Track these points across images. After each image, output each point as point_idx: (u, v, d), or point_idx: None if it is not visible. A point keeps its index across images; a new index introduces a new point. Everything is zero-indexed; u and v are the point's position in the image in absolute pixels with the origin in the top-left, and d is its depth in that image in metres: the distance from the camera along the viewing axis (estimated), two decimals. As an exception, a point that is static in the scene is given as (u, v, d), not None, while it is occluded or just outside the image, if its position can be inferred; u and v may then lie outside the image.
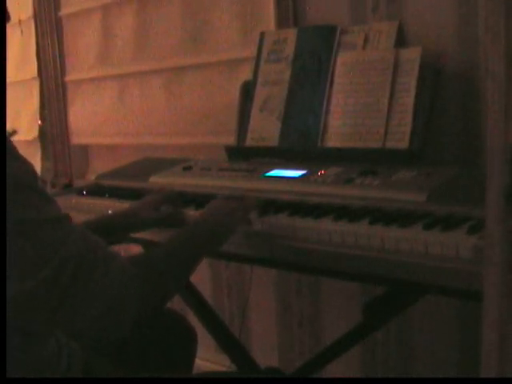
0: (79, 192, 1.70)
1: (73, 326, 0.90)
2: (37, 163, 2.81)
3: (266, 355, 2.05)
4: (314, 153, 1.57)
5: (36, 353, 0.97)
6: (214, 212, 1.20)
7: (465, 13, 1.48)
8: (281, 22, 1.86)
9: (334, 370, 1.74)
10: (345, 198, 1.27)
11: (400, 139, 1.43)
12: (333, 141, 1.55)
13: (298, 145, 1.60)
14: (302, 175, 1.43)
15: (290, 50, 1.67)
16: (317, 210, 1.21)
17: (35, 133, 2.82)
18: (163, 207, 1.34)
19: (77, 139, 2.71)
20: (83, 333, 0.93)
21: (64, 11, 2.66)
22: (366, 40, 1.57)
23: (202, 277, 2.15)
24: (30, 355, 0.96)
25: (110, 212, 1.49)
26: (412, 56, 1.45)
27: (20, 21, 2.81)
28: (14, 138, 2.58)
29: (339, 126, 1.54)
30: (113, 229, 1.28)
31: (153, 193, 1.40)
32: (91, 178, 2.16)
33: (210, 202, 1.25)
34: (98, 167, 2.61)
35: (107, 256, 0.92)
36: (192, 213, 1.34)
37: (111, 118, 2.51)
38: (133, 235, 1.36)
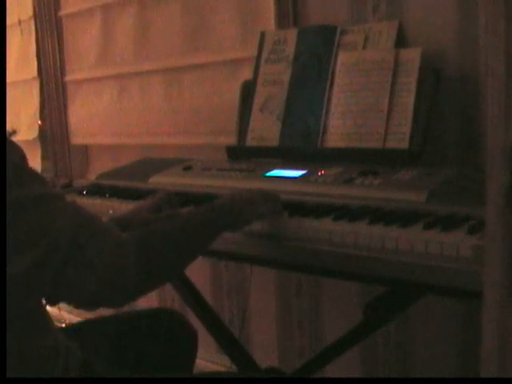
0: (79, 192, 1.70)
1: (73, 297, 0.94)
2: (37, 163, 2.82)
3: (266, 355, 2.05)
4: (314, 153, 1.57)
5: (31, 350, 0.97)
6: (230, 203, 1.17)
7: (465, 13, 1.48)
8: (281, 22, 1.86)
9: (334, 370, 1.75)
10: (345, 197, 1.27)
11: (400, 139, 1.43)
12: (333, 141, 1.55)
13: (298, 145, 1.60)
14: (302, 175, 1.43)
15: (290, 50, 1.67)
16: (317, 210, 1.21)
17: (35, 133, 2.82)
18: (163, 209, 1.34)
19: (77, 139, 2.71)
20: (84, 303, 0.96)
21: (64, 11, 2.66)
22: (366, 40, 1.57)
23: (202, 277, 2.15)
24: (25, 353, 0.96)
25: (110, 212, 1.49)
26: (412, 56, 1.45)
27: (20, 21, 2.81)
28: (14, 138, 2.57)
29: (339, 126, 1.54)
30: None
31: (151, 195, 1.41)
32: (91, 177, 2.16)
33: (235, 192, 1.22)
34: (98, 167, 2.61)
35: (101, 229, 0.94)
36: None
37: (111, 117, 2.51)
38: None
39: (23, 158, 0.92)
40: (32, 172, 0.92)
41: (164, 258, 1.02)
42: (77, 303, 0.96)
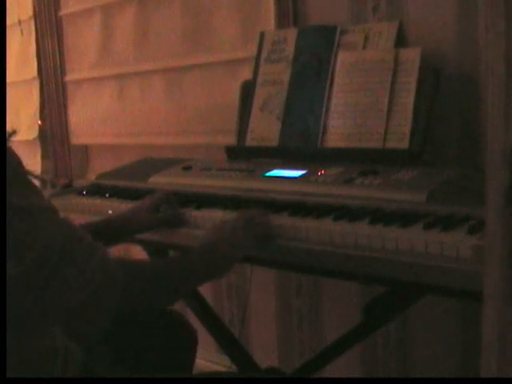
0: (79, 192, 1.70)
1: (55, 313, 0.91)
2: (37, 163, 2.82)
3: (266, 355, 2.05)
4: (314, 153, 1.57)
5: (30, 350, 0.97)
6: (219, 240, 1.15)
7: (465, 13, 1.48)
8: (281, 22, 1.86)
9: (334, 370, 1.74)
10: (345, 198, 1.27)
11: (400, 139, 1.43)
12: (333, 141, 1.55)
13: (298, 145, 1.60)
14: (302, 175, 1.43)
15: (290, 50, 1.67)
16: (317, 210, 1.21)
17: (35, 133, 2.82)
18: (161, 208, 1.34)
19: (77, 139, 2.71)
20: (68, 320, 0.94)
21: (64, 11, 2.66)
22: (366, 40, 1.57)
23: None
24: (24, 353, 0.96)
25: (110, 212, 1.49)
26: (412, 56, 1.45)
27: (20, 21, 2.81)
28: (14, 138, 2.57)
29: (339, 126, 1.54)
30: (110, 234, 1.28)
31: (149, 195, 1.41)
32: (91, 177, 2.16)
33: (221, 224, 1.21)
34: (98, 167, 2.61)
35: (90, 246, 0.93)
36: (192, 213, 1.34)
37: (111, 117, 2.51)
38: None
39: (20, 165, 0.91)
40: (28, 181, 0.91)
41: (149, 295, 1.02)
42: (58, 319, 0.94)
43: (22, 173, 0.91)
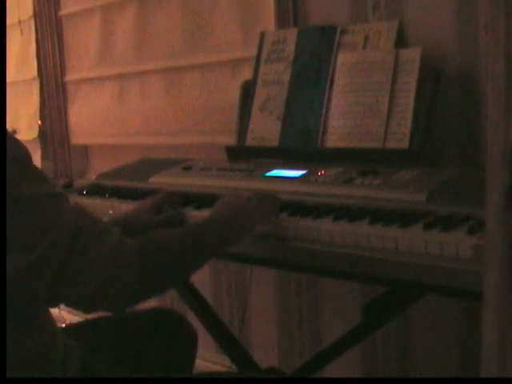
0: (79, 192, 1.70)
1: (72, 298, 0.93)
2: (37, 163, 2.81)
3: (266, 355, 2.05)
4: (314, 153, 1.57)
5: (30, 350, 0.97)
6: (230, 211, 1.18)
7: (465, 13, 1.48)
8: (281, 22, 1.86)
9: (333, 370, 1.74)
10: (345, 198, 1.27)
11: (400, 139, 1.43)
12: (333, 141, 1.55)
13: (298, 145, 1.60)
14: (302, 175, 1.43)
15: (290, 50, 1.67)
16: (317, 210, 1.21)
17: (35, 133, 2.82)
18: (163, 209, 1.34)
19: (77, 139, 2.71)
20: (82, 305, 0.96)
21: (64, 11, 2.66)
22: (366, 40, 1.57)
23: (202, 277, 2.15)
24: (24, 352, 0.96)
25: (110, 212, 1.49)
26: (412, 56, 1.45)
27: (20, 21, 2.81)
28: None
29: (339, 126, 1.54)
30: None
31: (151, 196, 1.41)
32: (91, 177, 2.16)
33: (233, 196, 1.24)
34: (98, 167, 2.61)
35: (104, 232, 0.94)
36: (192, 213, 1.34)
37: (111, 118, 2.51)
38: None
39: (28, 156, 0.91)
40: (38, 171, 0.92)
41: (165, 268, 1.02)
42: (74, 305, 0.96)
43: (31, 163, 0.91)
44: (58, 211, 0.90)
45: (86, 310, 0.98)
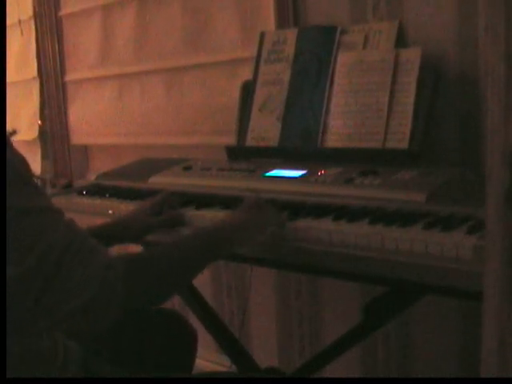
0: (79, 192, 1.70)
1: (55, 315, 0.89)
2: (37, 163, 2.82)
3: (266, 355, 2.05)
4: (314, 153, 1.57)
5: (30, 350, 0.97)
6: (226, 225, 1.15)
7: (465, 13, 1.48)
8: (281, 22, 1.86)
9: (333, 370, 1.74)
10: (345, 198, 1.27)
11: (400, 139, 1.43)
12: (333, 141, 1.55)
13: (298, 145, 1.60)
14: (302, 175, 1.43)
15: (290, 50, 1.67)
16: (317, 210, 1.21)
17: (35, 133, 2.82)
18: (163, 210, 1.34)
19: (77, 139, 2.71)
20: (65, 323, 0.92)
21: (64, 11, 2.66)
22: (366, 40, 1.57)
23: (202, 277, 2.13)
24: (22, 352, 0.96)
25: (110, 212, 1.49)
26: (412, 56, 1.45)
27: (20, 21, 2.81)
28: (14, 138, 2.58)
29: (339, 126, 1.54)
30: (112, 237, 1.27)
31: (151, 197, 1.40)
32: (91, 177, 2.16)
33: (233, 212, 1.21)
34: (98, 167, 2.61)
35: (92, 249, 0.91)
36: (192, 213, 1.34)
37: (111, 117, 2.51)
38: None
39: (26, 165, 0.90)
40: (34, 183, 0.91)
41: (152, 286, 0.99)
42: (56, 324, 0.93)
43: (25, 173, 0.90)
44: (49, 225, 0.88)
45: (68, 330, 0.96)
